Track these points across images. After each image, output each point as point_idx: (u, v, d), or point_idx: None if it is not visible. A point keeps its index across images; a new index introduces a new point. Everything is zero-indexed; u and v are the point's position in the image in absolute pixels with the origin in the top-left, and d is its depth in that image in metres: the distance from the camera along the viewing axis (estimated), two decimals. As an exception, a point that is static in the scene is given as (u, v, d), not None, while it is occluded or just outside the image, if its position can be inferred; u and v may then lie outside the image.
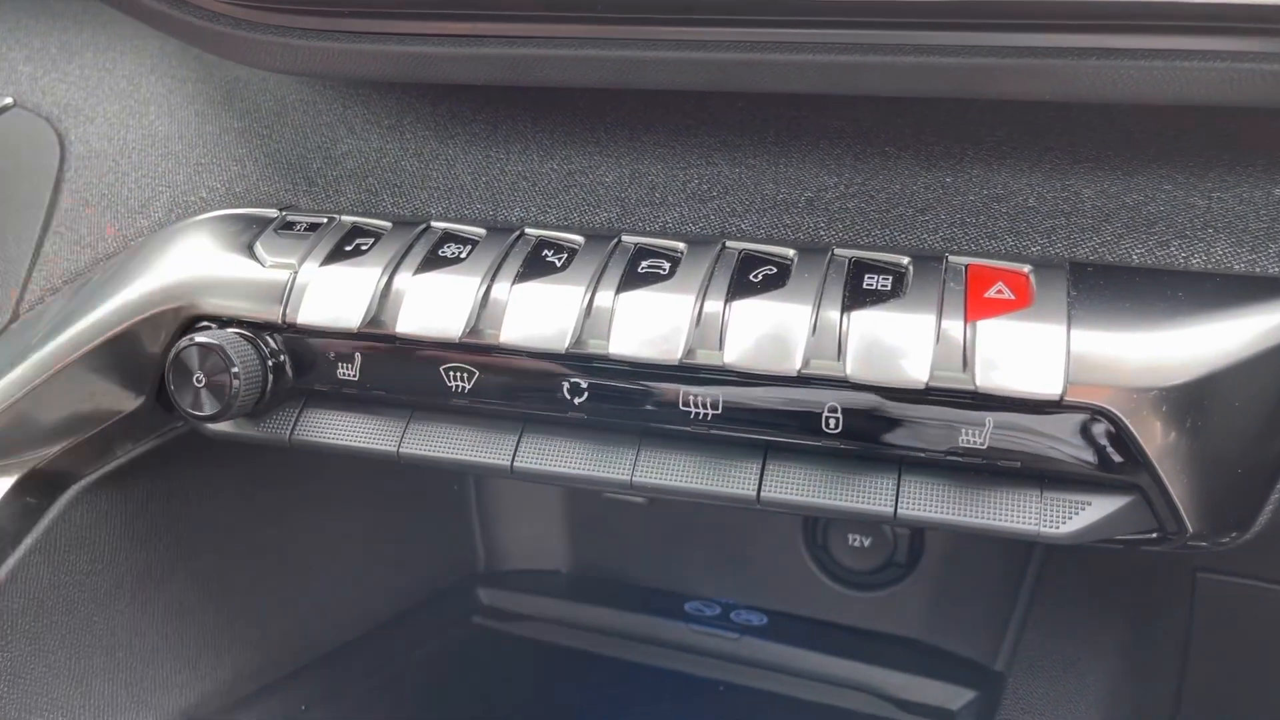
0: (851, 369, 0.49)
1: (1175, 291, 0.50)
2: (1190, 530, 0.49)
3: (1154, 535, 0.50)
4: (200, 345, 0.56)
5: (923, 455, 0.50)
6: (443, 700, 0.79)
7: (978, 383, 0.48)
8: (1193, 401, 0.48)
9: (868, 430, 0.51)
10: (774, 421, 0.52)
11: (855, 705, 0.83)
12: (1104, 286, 0.50)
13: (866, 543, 0.90)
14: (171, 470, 0.69)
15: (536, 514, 0.99)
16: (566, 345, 0.53)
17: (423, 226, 0.60)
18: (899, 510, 0.51)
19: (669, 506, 0.94)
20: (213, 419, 0.57)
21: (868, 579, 0.91)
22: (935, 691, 0.84)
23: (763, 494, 0.53)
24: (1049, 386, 0.47)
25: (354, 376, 0.58)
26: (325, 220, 0.61)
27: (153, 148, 0.70)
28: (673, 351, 0.51)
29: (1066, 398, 0.47)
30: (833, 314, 0.50)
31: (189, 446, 0.68)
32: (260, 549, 0.77)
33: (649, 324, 0.52)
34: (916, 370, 0.48)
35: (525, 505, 0.99)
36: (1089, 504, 0.49)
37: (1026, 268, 0.52)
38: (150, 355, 0.61)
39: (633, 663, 0.88)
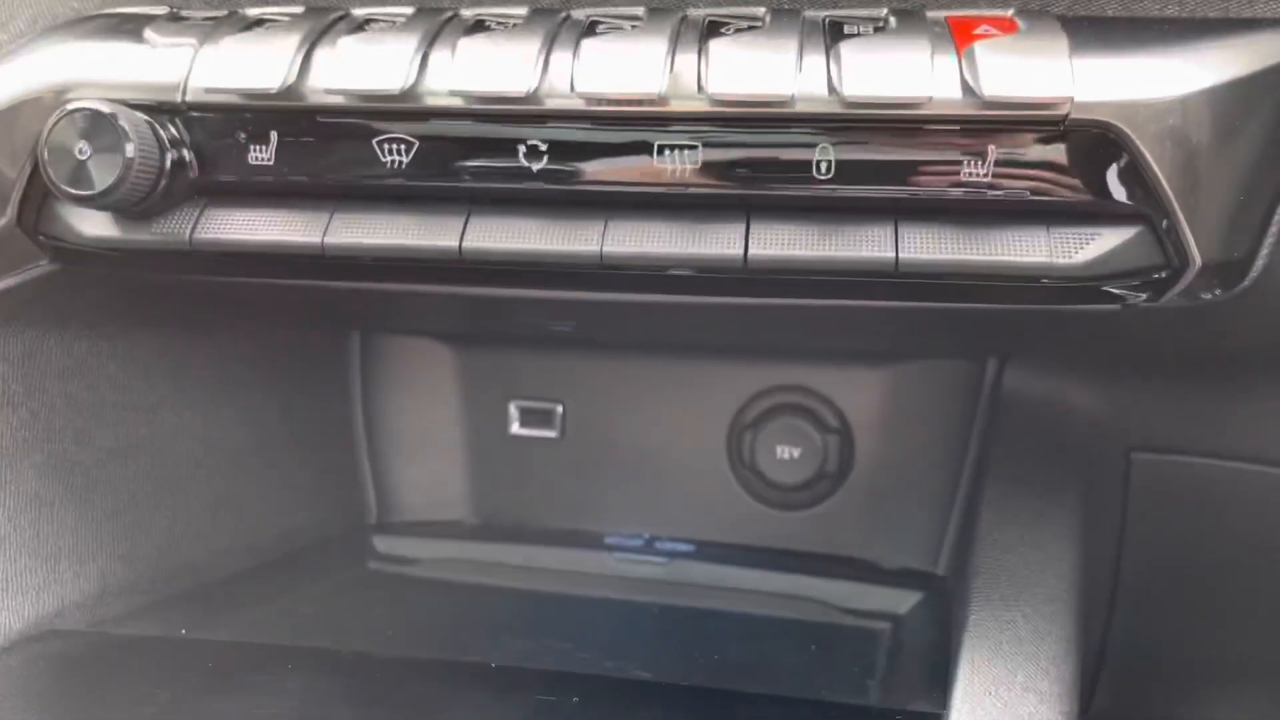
0: (848, 89, 0.45)
1: (1166, 27, 0.48)
2: (1198, 263, 0.47)
3: (1163, 272, 0.47)
4: (90, 110, 0.48)
5: (921, 197, 0.47)
6: (339, 630, 0.69)
7: (984, 92, 0.44)
8: (1198, 117, 0.46)
9: (862, 172, 0.46)
10: (759, 172, 0.47)
11: (797, 614, 0.77)
12: (1094, 26, 0.48)
13: (796, 454, 0.85)
14: (30, 327, 0.59)
15: (433, 455, 0.90)
16: (529, 88, 0.47)
17: (341, 12, 0.53)
18: (900, 255, 0.47)
19: (585, 432, 0.88)
20: (99, 199, 0.48)
21: (798, 496, 0.86)
22: (879, 598, 0.79)
23: (750, 253, 0.47)
24: (1058, 89, 0.44)
25: (268, 160, 0.50)
26: (225, 13, 0.54)
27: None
28: (650, 87, 0.46)
29: (1073, 115, 0.45)
30: (818, 50, 0.47)
31: (56, 305, 0.58)
32: (129, 449, 0.66)
33: (620, 62, 0.46)
34: (917, 86, 0.45)
35: (420, 445, 0.90)
36: (1097, 235, 0.47)
37: (1009, 11, 0.49)
38: (9, 160, 0.51)
39: (554, 594, 0.79)
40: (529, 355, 0.86)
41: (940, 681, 0.62)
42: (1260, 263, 0.49)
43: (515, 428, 0.89)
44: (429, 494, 0.91)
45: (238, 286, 0.58)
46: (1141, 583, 0.83)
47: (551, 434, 0.89)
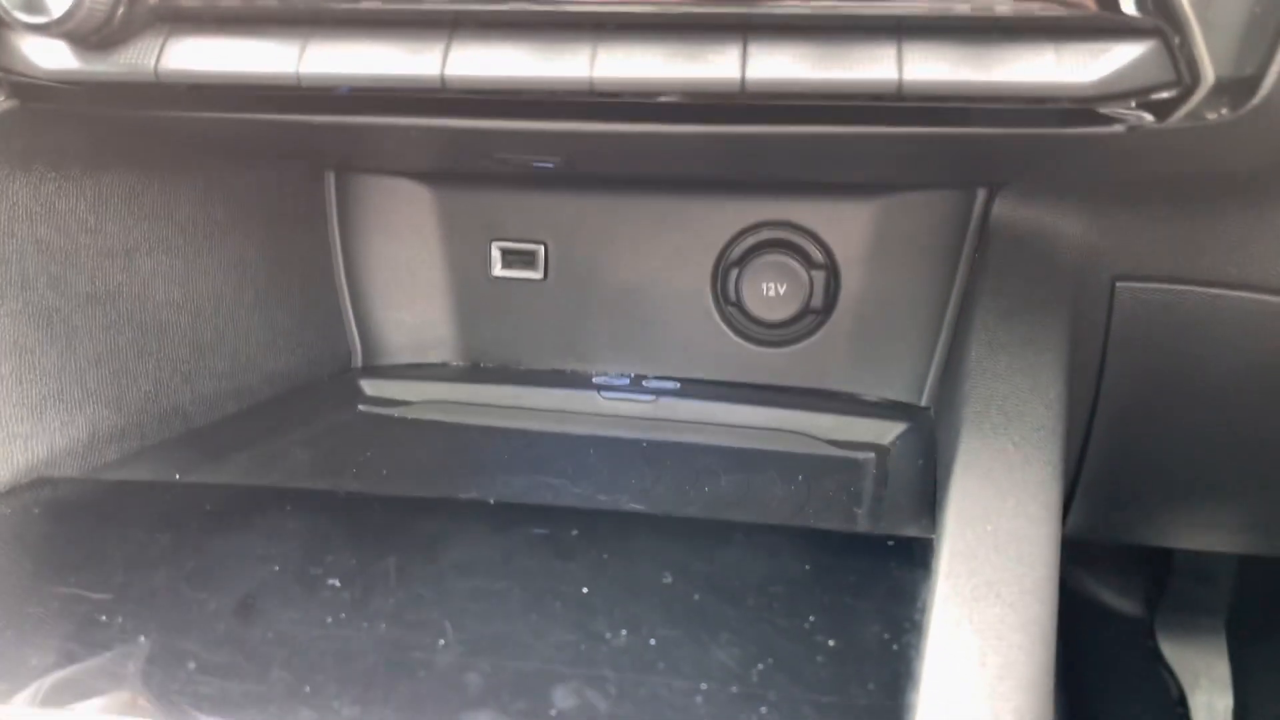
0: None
1: None
2: (1210, 80, 0.45)
3: (1174, 90, 0.46)
4: (31, -70, 0.44)
5: (926, 14, 0.45)
6: (331, 469, 0.69)
7: (996, -102, 0.42)
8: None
9: (864, -14, 0.44)
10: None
11: (784, 446, 0.78)
12: None
13: (782, 290, 0.85)
14: (-6, 172, 0.56)
15: (415, 297, 0.89)
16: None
17: None
18: (904, 77, 0.45)
19: (569, 273, 0.86)
20: (54, 26, 0.45)
21: (784, 332, 0.86)
22: (864, 428, 0.80)
23: (748, 76, 0.45)
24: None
25: (235, -19, 0.47)
26: None
27: None
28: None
29: (1087, -78, 0.42)
30: None
31: (14, 142, 0.55)
32: (109, 294, 0.64)
33: None
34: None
35: (402, 287, 0.89)
36: (1107, 52, 0.45)
37: None
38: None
39: (544, 432, 0.80)
40: (510, 195, 0.84)
41: (928, 508, 0.63)
42: (1270, 80, 0.48)
43: (498, 269, 0.88)
44: (413, 337, 0.90)
45: (208, 123, 0.55)
46: (1119, 407, 0.84)
47: (535, 275, 0.88)
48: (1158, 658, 1.40)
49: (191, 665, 0.43)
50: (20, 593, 0.49)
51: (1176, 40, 0.45)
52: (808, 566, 0.52)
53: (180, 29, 0.48)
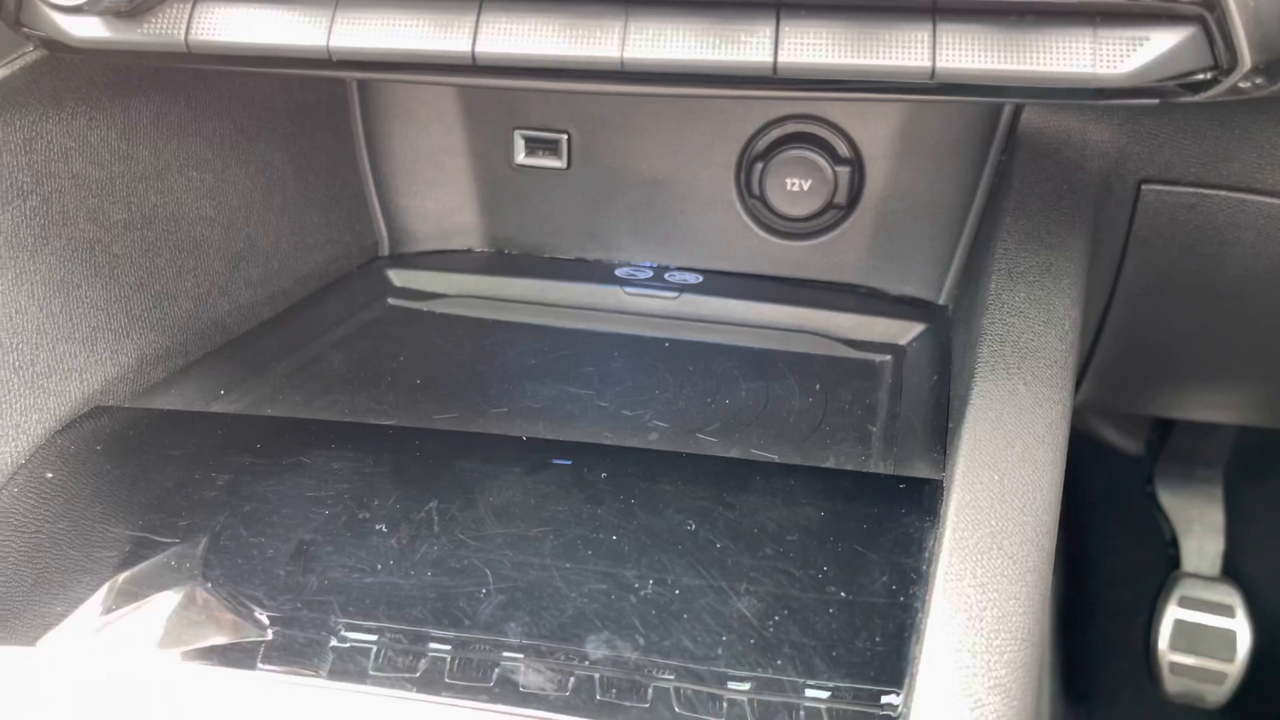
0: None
1: None
2: (1247, 64, 0.45)
3: (1210, 74, 0.46)
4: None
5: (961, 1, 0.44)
6: (368, 377, 0.72)
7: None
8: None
9: (902, -32, 0.43)
10: (790, -34, 0.44)
11: (803, 348, 0.81)
12: None
13: (806, 185, 0.85)
14: (26, 114, 0.57)
15: (439, 186, 0.90)
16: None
17: None
18: (937, 64, 0.45)
19: (593, 163, 0.86)
20: (95, 11, 0.45)
21: (806, 226, 0.87)
22: (882, 328, 0.82)
23: (780, 59, 0.45)
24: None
25: (260, -48, 0.46)
26: None
27: None
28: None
29: (1135, -92, 0.41)
30: None
31: (49, 87, 0.55)
32: (145, 219, 0.65)
33: None
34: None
35: (426, 176, 0.89)
36: (1147, 39, 0.44)
37: None
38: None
39: (567, 329, 0.82)
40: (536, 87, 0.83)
41: (940, 430, 0.66)
42: (1307, 56, 0.47)
43: (521, 158, 0.88)
44: (438, 225, 0.91)
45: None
46: (1135, 296, 0.86)
47: (558, 164, 0.88)
48: (1154, 500, 1.46)
49: (247, 582, 0.48)
50: (81, 529, 0.53)
51: (1216, 27, 0.44)
52: (821, 512, 0.55)
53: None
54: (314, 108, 0.80)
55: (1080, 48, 0.44)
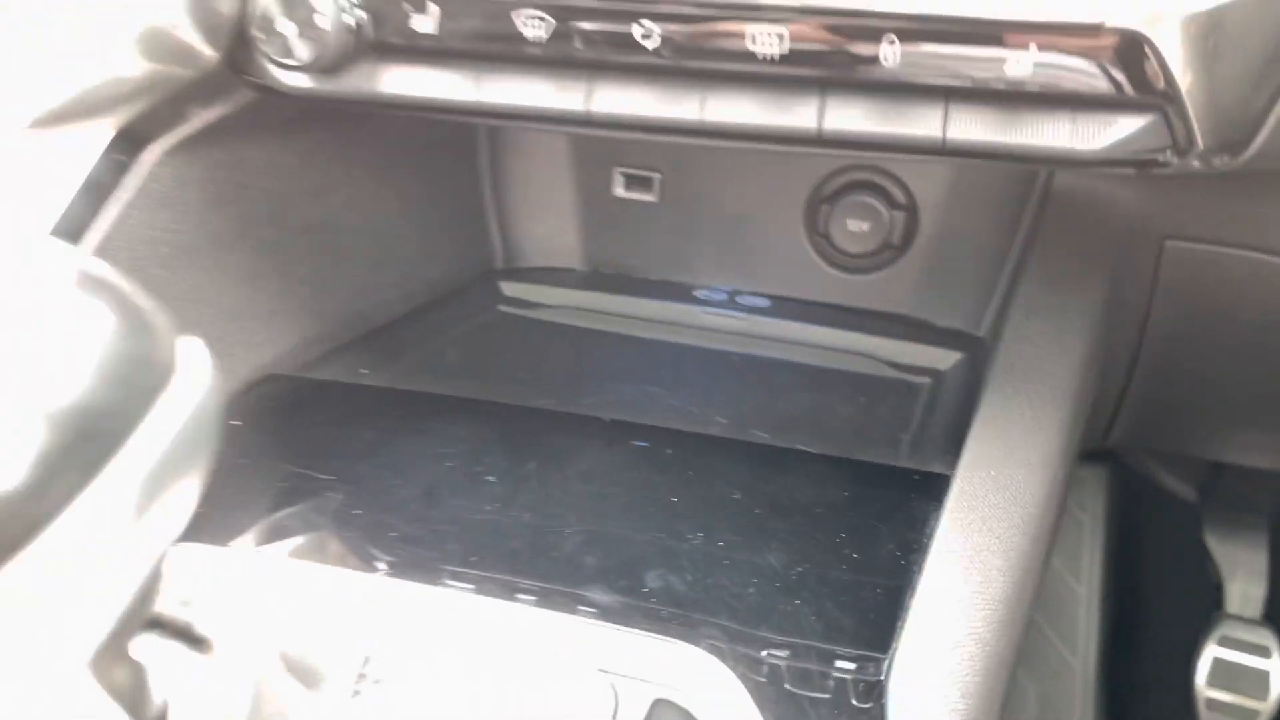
0: (913, -4, 0.54)
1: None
2: (1200, 146, 0.56)
3: (1168, 154, 0.57)
4: (288, -7, 0.59)
5: (970, 87, 0.56)
6: (479, 368, 0.86)
7: (1025, 10, 0.53)
8: (1215, 28, 0.53)
9: (922, 61, 0.56)
10: (833, 58, 0.57)
11: (853, 368, 0.92)
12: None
13: (865, 227, 0.97)
14: (236, 142, 0.72)
15: (549, 212, 1.04)
16: (644, -19, 0.56)
17: None
18: (947, 135, 0.57)
19: (680, 199, 1.00)
20: (303, 70, 0.60)
21: (864, 262, 0.99)
22: (925, 355, 0.93)
23: (824, 126, 0.58)
24: (1088, 10, 0.52)
25: (431, 29, 0.61)
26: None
27: None
28: (746, -14, 0.55)
29: (1107, 24, 0.53)
30: (893, -48, 0.55)
31: (252, 120, 0.71)
32: (311, 226, 0.81)
33: (723, -38, 0.55)
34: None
35: (538, 204, 1.03)
36: (1116, 122, 0.56)
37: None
38: (215, 13, 0.63)
39: (651, 339, 0.95)
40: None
41: (961, 434, 0.77)
42: (1260, 139, 0.58)
43: (619, 191, 1.02)
44: (546, 244, 1.05)
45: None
46: (1164, 339, 0.95)
47: (650, 198, 1.01)
48: (1202, 544, 1.53)
49: (387, 527, 0.62)
50: (261, 466, 0.68)
51: (1174, 116, 0.55)
52: (846, 491, 0.67)
53: (387, 58, 0.62)
54: (447, 142, 0.95)
55: (1061, 128, 0.56)
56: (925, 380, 0.91)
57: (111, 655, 0.32)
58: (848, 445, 0.77)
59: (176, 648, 0.36)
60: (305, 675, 0.46)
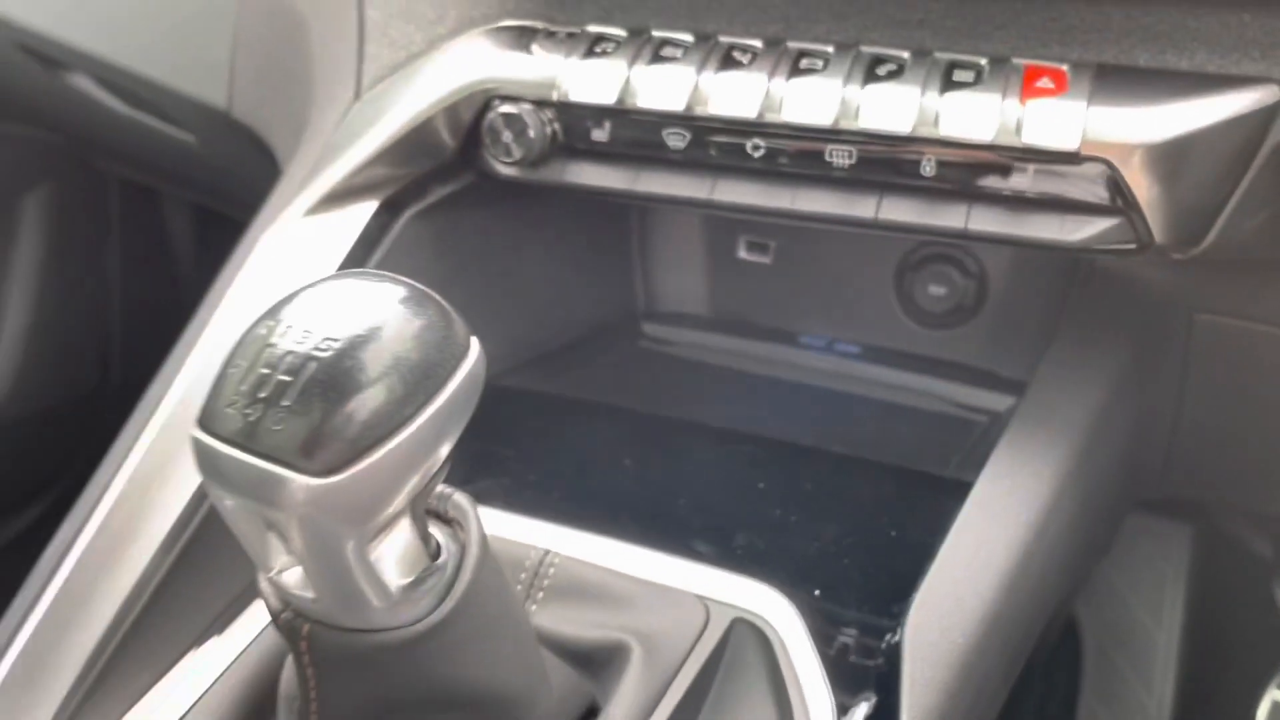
0: (944, 131, 0.76)
1: (1163, 83, 0.76)
2: (1157, 241, 0.76)
3: (1133, 245, 0.77)
4: (506, 114, 0.86)
5: (986, 192, 0.78)
6: (621, 386, 1.11)
7: (1024, 140, 0.75)
8: (1167, 154, 0.74)
9: (951, 175, 0.78)
10: (888, 167, 0.79)
11: (924, 405, 1.13)
12: (1116, 79, 0.76)
13: (942, 292, 1.18)
14: (458, 211, 0.99)
15: (683, 269, 1.28)
16: (754, 115, 0.81)
17: (646, 35, 0.87)
18: (969, 226, 0.79)
19: (791, 263, 1.23)
20: (515, 165, 0.87)
21: (941, 320, 1.19)
22: (985, 399, 1.13)
23: (879, 216, 0.81)
24: (1069, 143, 0.74)
25: (604, 139, 0.86)
26: (578, 30, 0.89)
27: (432, -24, 0.97)
28: (825, 119, 0.79)
29: (1081, 152, 0.74)
30: (934, 96, 0.77)
31: (470, 195, 0.98)
32: (504, 273, 1.08)
33: (810, 101, 0.79)
34: (985, 133, 0.75)
35: (675, 262, 1.28)
36: (1092, 222, 0.77)
37: (1065, 66, 0.77)
38: (461, 121, 0.90)
39: (760, 374, 1.18)
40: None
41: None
42: (1210, 237, 0.78)
43: (742, 254, 1.25)
44: (680, 294, 1.30)
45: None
46: (1206, 397, 1.10)
47: (766, 260, 1.25)
48: (1271, 601, 1.64)
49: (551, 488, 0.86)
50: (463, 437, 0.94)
51: (1136, 220, 0.76)
52: (893, 489, 0.89)
53: (573, 157, 0.88)
54: (607, 213, 1.21)
55: (1051, 224, 0.77)
56: (983, 419, 1.11)
57: (419, 507, 0.57)
58: (905, 459, 0.98)
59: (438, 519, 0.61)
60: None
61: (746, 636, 0.75)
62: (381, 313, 0.52)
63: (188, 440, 0.76)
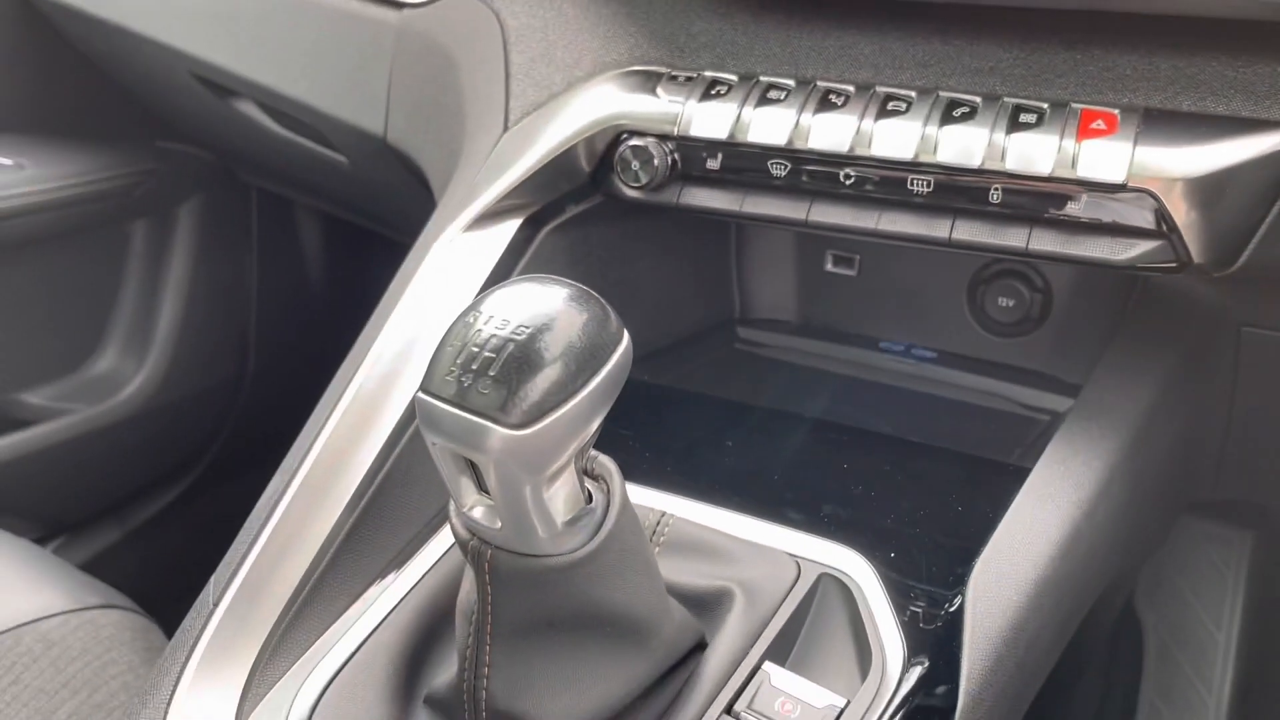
0: (1010, 165, 0.90)
1: (1203, 125, 0.88)
2: (1195, 260, 0.89)
3: (1174, 264, 0.90)
4: (635, 146, 1.02)
5: (1045, 217, 0.92)
6: (723, 382, 1.26)
7: (1078, 174, 0.88)
8: (1204, 186, 0.87)
9: (1015, 202, 0.92)
10: (961, 194, 0.93)
11: (993, 405, 1.26)
12: (1161, 121, 0.89)
13: (1011, 304, 1.31)
14: (586, 226, 1.15)
15: (776, 280, 1.43)
16: (847, 149, 0.95)
17: (754, 80, 1.02)
18: (1030, 246, 0.92)
19: (873, 275, 1.37)
20: (640, 189, 1.02)
21: (1010, 329, 1.32)
22: (1049, 400, 1.25)
23: (953, 236, 0.95)
24: (1116, 176, 0.87)
25: (716, 167, 1.02)
26: (696, 75, 1.04)
27: (567, 25, 1.13)
28: (907, 153, 0.93)
29: (1129, 184, 0.88)
30: (1000, 135, 0.91)
31: (596, 213, 1.14)
32: (620, 281, 1.22)
33: (895, 138, 0.94)
34: (1045, 167, 0.89)
35: (769, 273, 1.43)
36: (1137, 244, 0.90)
37: (1116, 110, 0.91)
38: (596, 151, 1.06)
39: (844, 374, 1.32)
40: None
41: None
42: (1244, 256, 0.90)
43: (829, 266, 1.39)
44: (773, 301, 1.44)
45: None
46: (1256, 405, 1.21)
47: (851, 273, 1.38)
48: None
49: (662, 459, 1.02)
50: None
51: (1177, 242, 0.88)
52: (961, 472, 1.02)
53: (689, 182, 1.04)
54: (709, 230, 1.36)
55: (1101, 245, 0.90)
56: (1045, 418, 1.23)
57: (579, 462, 0.72)
58: (974, 449, 1.12)
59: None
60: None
61: (832, 589, 0.89)
62: (559, 307, 0.68)
63: (372, 415, 0.94)
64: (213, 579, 0.89)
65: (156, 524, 2.11)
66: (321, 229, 2.31)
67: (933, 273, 1.34)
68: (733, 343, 1.39)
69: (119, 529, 2.09)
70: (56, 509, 2.01)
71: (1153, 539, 1.36)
